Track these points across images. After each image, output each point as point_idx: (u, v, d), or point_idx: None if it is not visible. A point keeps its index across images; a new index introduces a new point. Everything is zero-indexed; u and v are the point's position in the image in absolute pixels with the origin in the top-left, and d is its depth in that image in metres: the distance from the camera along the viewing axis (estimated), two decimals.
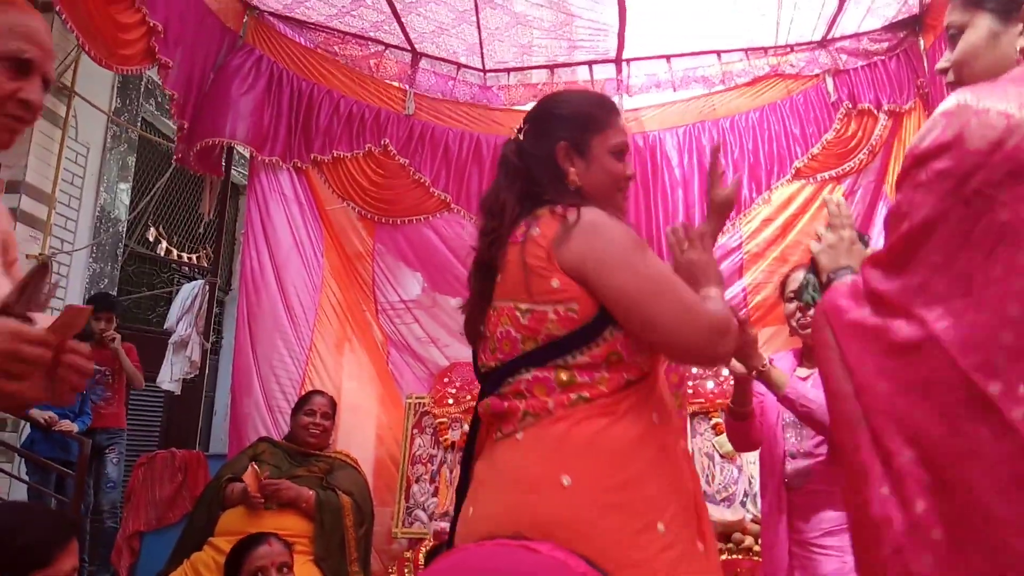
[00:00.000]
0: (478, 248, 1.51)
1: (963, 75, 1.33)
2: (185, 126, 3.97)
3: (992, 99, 1.14)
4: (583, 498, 1.24)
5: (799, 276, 2.34)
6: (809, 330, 2.28)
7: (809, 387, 2.18)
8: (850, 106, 4.17)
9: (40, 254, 4.85)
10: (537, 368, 1.35)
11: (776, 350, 2.89)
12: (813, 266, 1.53)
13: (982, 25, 1.31)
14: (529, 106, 4.66)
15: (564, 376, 1.32)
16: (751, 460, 3.54)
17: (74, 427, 4.21)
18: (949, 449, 1.08)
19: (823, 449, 2.22)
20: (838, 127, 4.20)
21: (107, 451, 4.47)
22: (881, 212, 4.16)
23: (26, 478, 4.30)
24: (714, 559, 1.34)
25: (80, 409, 4.45)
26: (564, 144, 1.48)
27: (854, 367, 1.20)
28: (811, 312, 2.24)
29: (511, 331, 1.39)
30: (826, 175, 4.23)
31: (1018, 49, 1.28)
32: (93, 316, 4.62)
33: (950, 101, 1.19)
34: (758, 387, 2.26)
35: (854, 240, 1.48)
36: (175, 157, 4.27)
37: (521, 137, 1.55)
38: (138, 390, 4.98)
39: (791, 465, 2.28)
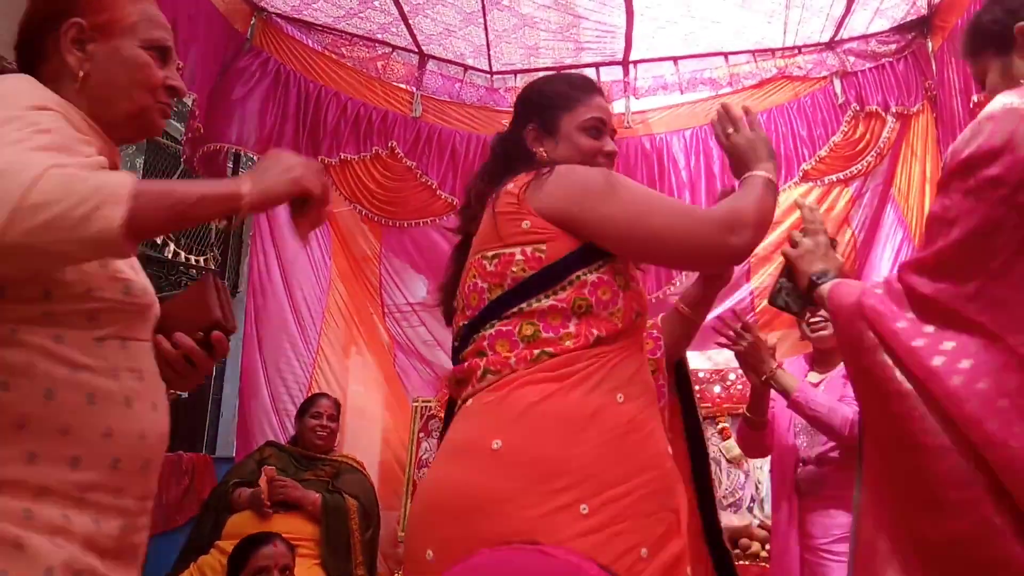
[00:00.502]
0: (458, 226, 1.54)
1: None
2: (201, 129, 3.95)
3: None
4: (508, 465, 1.17)
5: None
6: (823, 332, 2.27)
7: (820, 392, 2.17)
8: (857, 108, 4.15)
9: None
10: (501, 321, 1.30)
11: (784, 354, 2.87)
12: (787, 271, 1.54)
13: (994, 67, 1.34)
14: None
15: (528, 330, 1.27)
16: (758, 465, 3.52)
17: None
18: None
19: (835, 454, 2.21)
20: (845, 129, 4.17)
21: None
22: (889, 215, 4.15)
23: None
24: (670, 557, 1.20)
25: None
26: (533, 126, 1.49)
27: (919, 374, 1.13)
28: (820, 314, 2.24)
29: (478, 282, 1.35)
30: (834, 177, 4.21)
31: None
32: None
33: (996, 104, 1.17)
34: (772, 394, 2.25)
35: (828, 246, 1.50)
36: (183, 157, 4.25)
37: (507, 128, 1.58)
38: None
39: (803, 470, 2.27)
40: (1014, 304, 1.08)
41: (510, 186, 1.37)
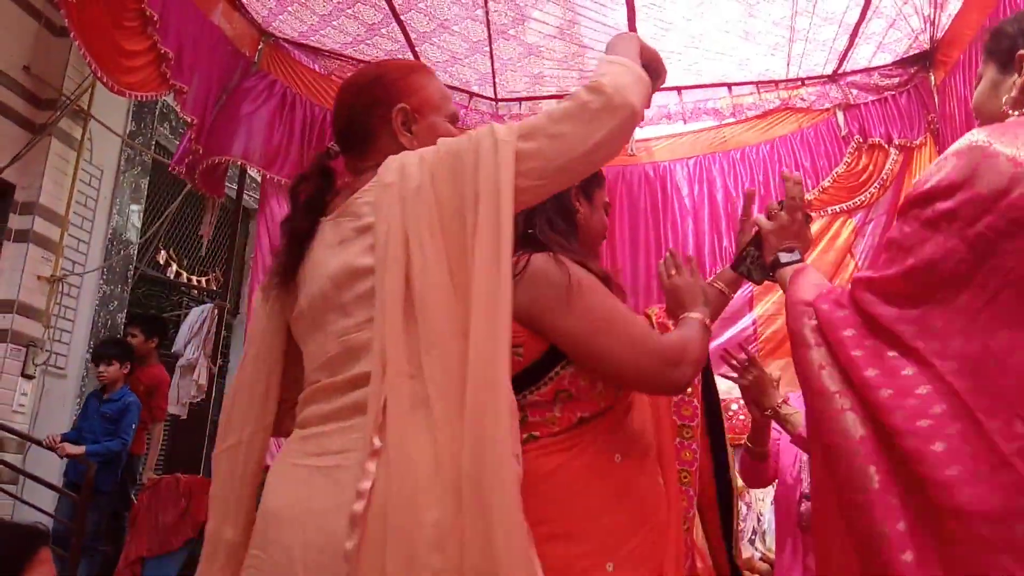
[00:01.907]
0: None
1: (980, 119, 1.37)
2: (200, 151, 4.00)
3: (1003, 143, 1.15)
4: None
5: None
6: None
7: None
8: (860, 140, 4.17)
9: (52, 275, 4.87)
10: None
11: (787, 383, 2.86)
12: (757, 241, 1.57)
13: (988, 75, 1.35)
14: None
15: (518, 415, 1.30)
16: (760, 497, 3.49)
17: (80, 450, 4.18)
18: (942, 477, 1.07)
19: None
20: (849, 160, 4.20)
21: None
22: None
23: (31, 501, 4.27)
24: None
25: (116, 431, 4.40)
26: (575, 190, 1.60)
27: (858, 381, 1.18)
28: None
29: None
30: (837, 208, 4.23)
31: (1004, 100, 1.29)
32: (129, 333, 4.63)
33: (963, 141, 1.20)
34: (776, 427, 2.23)
35: (804, 223, 1.52)
36: (172, 167, 4.25)
37: None
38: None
39: (806, 506, 2.25)
40: (946, 333, 1.12)
41: None
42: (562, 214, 1.49)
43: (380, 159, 1.22)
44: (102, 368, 4.40)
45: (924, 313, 1.15)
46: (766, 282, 1.65)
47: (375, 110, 1.29)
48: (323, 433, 1.14)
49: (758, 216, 1.56)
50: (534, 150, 1.12)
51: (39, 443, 4.28)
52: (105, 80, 3.42)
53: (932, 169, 1.21)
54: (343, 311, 1.18)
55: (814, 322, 1.27)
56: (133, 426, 4.39)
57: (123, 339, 4.85)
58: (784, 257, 1.46)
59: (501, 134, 1.13)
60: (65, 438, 4.28)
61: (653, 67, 1.35)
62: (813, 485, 1.34)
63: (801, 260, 1.46)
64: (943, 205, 1.15)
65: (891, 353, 1.16)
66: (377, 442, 1.02)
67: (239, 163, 4.31)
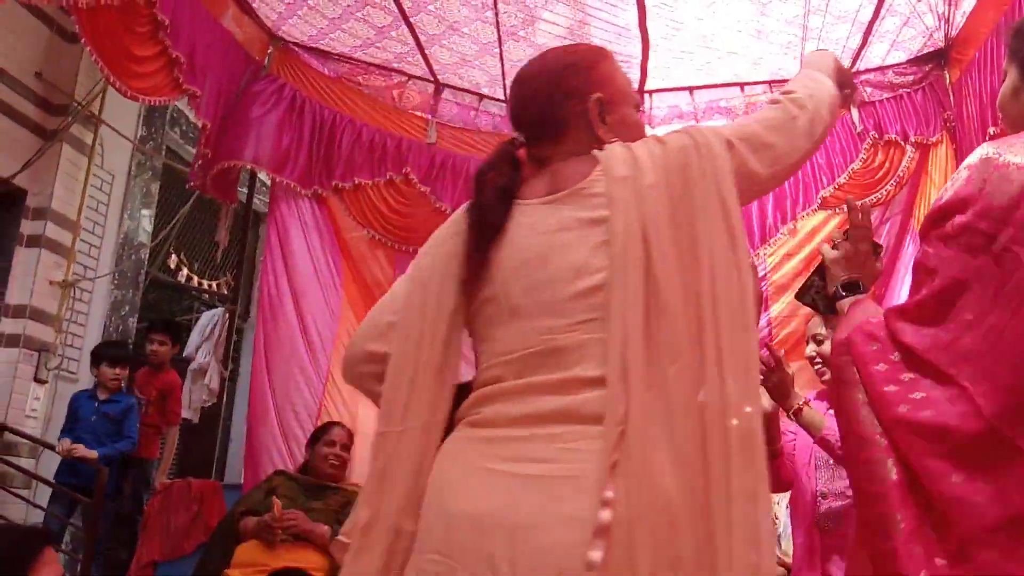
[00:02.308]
0: None
1: (1005, 120, 1.35)
2: (209, 155, 4.00)
3: (1013, 152, 1.14)
4: None
5: (818, 321, 2.30)
6: (826, 376, 2.24)
7: None
8: (876, 136, 4.13)
9: (64, 280, 4.89)
10: None
11: (802, 386, 2.83)
12: (821, 271, 1.52)
13: (1011, 76, 1.33)
14: None
15: None
16: (775, 500, 3.45)
17: (92, 453, 4.17)
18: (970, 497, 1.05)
19: None
20: (865, 157, 4.15)
21: (122, 481, 4.40)
22: (908, 246, 4.11)
23: (43, 505, 4.28)
24: None
25: (119, 433, 4.39)
26: None
27: (883, 418, 1.15)
28: (822, 344, 2.21)
29: None
30: None
31: None
32: (147, 338, 4.62)
33: (974, 154, 1.19)
34: (790, 425, 2.20)
35: (869, 254, 1.46)
36: (189, 184, 4.27)
37: None
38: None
39: (824, 506, 2.22)
40: (978, 356, 1.08)
41: None
42: None
43: (573, 149, 1.21)
44: (118, 371, 4.36)
45: (956, 339, 1.11)
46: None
47: (570, 100, 1.23)
48: (518, 438, 1.06)
49: (823, 245, 1.52)
50: (748, 159, 1.13)
51: (51, 448, 4.28)
52: (117, 86, 3.42)
53: (947, 185, 1.20)
54: (553, 308, 1.09)
55: (847, 358, 1.24)
56: (136, 426, 4.41)
57: (124, 341, 4.85)
58: (844, 289, 1.41)
59: (722, 140, 1.13)
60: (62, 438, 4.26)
61: (845, 83, 1.37)
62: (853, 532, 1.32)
63: (862, 292, 1.40)
64: (960, 219, 1.14)
65: (926, 383, 1.12)
66: (614, 455, 0.97)
67: (249, 167, 4.31)
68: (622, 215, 1.07)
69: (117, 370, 4.33)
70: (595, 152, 1.18)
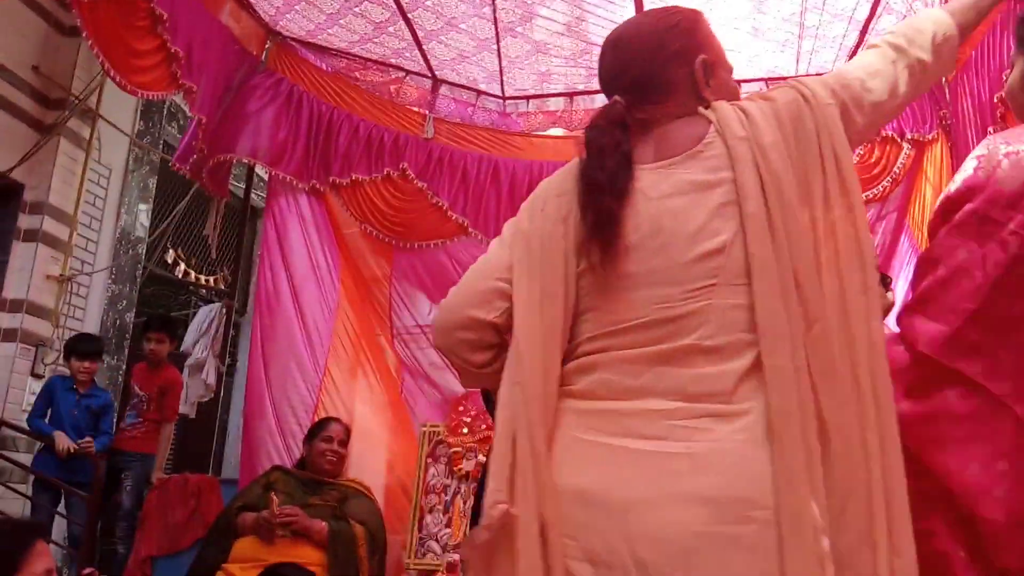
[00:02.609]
0: None
1: (1014, 109, 1.35)
2: (205, 150, 4.00)
3: (1021, 141, 1.15)
4: None
5: None
6: None
7: None
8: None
9: (61, 275, 4.89)
10: None
11: None
12: None
13: (1019, 67, 1.33)
14: (548, 132, 4.70)
15: None
16: None
17: (91, 446, 4.22)
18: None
19: None
20: (861, 152, 4.16)
21: (123, 476, 4.41)
22: (903, 244, 4.12)
23: (40, 500, 4.29)
24: None
25: (96, 428, 4.42)
26: None
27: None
28: None
29: None
30: None
31: None
32: (144, 336, 4.62)
33: (983, 144, 1.20)
34: None
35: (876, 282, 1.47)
36: (174, 164, 4.21)
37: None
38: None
39: None
40: (989, 349, 1.07)
41: None
42: None
43: (677, 111, 1.18)
44: (87, 365, 4.37)
45: (960, 328, 1.10)
46: None
47: (676, 61, 1.20)
48: (627, 412, 1.03)
49: None
50: (850, 107, 1.13)
51: (51, 444, 4.28)
52: (117, 80, 3.42)
53: (955, 177, 1.21)
54: (669, 275, 1.05)
55: None
56: (113, 422, 4.46)
57: (95, 336, 4.82)
58: None
59: (828, 89, 1.12)
60: (32, 425, 4.27)
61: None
62: None
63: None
64: (969, 206, 1.14)
65: (941, 389, 1.11)
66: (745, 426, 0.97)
67: (246, 162, 4.31)
68: (749, 174, 1.05)
69: (86, 364, 4.33)
70: (704, 112, 1.16)
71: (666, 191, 1.10)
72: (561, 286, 1.12)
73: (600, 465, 1.01)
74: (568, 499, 1.01)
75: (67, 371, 4.43)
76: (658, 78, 1.21)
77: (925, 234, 3.94)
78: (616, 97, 1.22)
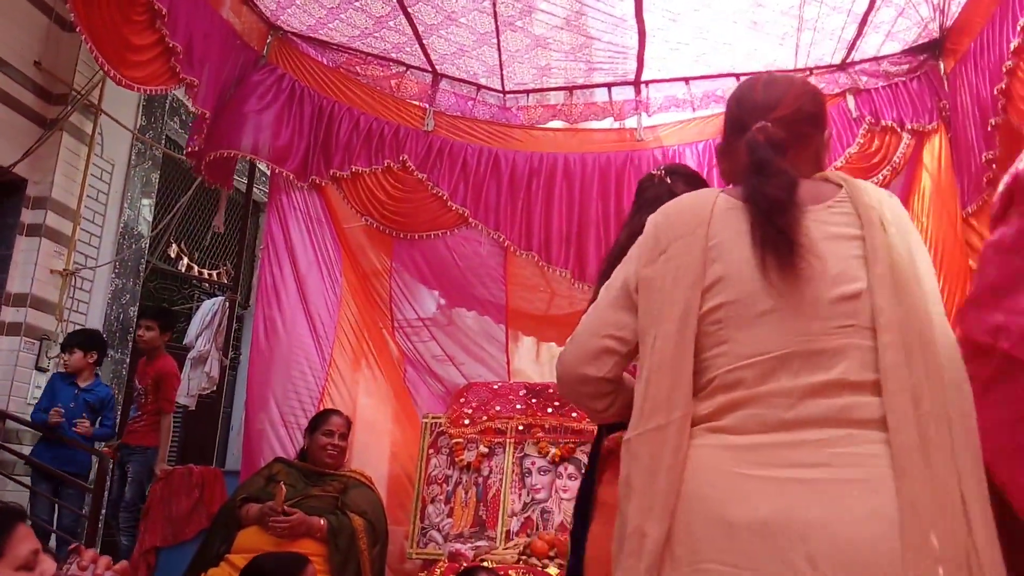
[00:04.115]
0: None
1: None
2: (202, 146, 4.00)
3: None
4: None
5: None
6: None
7: None
8: (872, 122, 4.14)
9: (64, 269, 4.92)
10: None
11: None
12: None
13: None
14: (549, 125, 4.71)
15: None
16: None
17: (88, 427, 4.33)
18: None
19: None
20: (861, 141, 4.15)
21: (126, 469, 4.45)
22: None
23: (44, 492, 4.33)
24: None
25: (100, 422, 4.49)
26: None
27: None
28: None
29: None
30: None
31: None
32: (136, 325, 4.69)
33: None
34: None
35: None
36: (188, 154, 4.23)
37: (666, 179, 1.86)
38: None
39: None
40: None
41: None
42: None
43: (801, 168, 1.27)
44: (65, 356, 4.49)
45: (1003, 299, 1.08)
46: None
47: (820, 124, 1.34)
48: (784, 444, 1.07)
49: None
50: None
51: (56, 433, 4.32)
52: (112, 74, 3.42)
53: (1012, 169, 1.18)
54: (815, 311, 1.11)
55: None
56: (114, 415, 4.61)
57: (90, 329, 4.89)
58: None
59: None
60: (38, 413, 4.36)
61: None
62: None
63: None
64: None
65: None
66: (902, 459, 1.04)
67: (248, 157, 4.33)
68: (879, 238, 1.15)
69: (65, 355, 4.49)
70: (831, 177, 1.27)
71: (811, 232, 1.16)
72: (690, 312, 1.17)
73: (774, 498, 1.04)
74: (743, 533, 1.04)
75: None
76: (809, 130, 1.32)
77: (924, 224, 3.98)
78: (765, 123, 1.28)
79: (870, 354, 1.09)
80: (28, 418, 4.48)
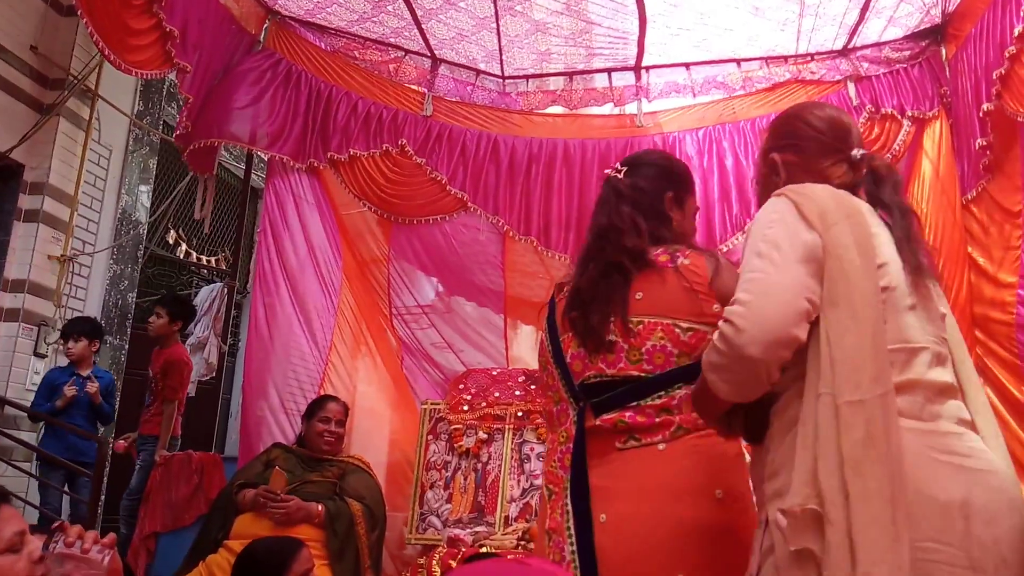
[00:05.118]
0: (600, 253, 1.69)
1: None
2: (190, 127, 3.96)
3: None
4: (728, 509, 1.49)
5: None
6: None
7: None
8: (873, 110, 4.13)
9: (62, 255, 4.91)
10: (689, 385, 1.52)
11: None
12: None
13: None
14: (548, 111, 4.69)
15: None
16: None
17: (97, 387, 4.37)
18: None
19: None
20: (861, 129, 4.14)
21: (138, 458, 4.46)
22: None
23: (44, 478, 4.33)
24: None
25: (102, 408, 4.50)
26: (671, 194, 1.76)
27: None
28: None
29: (668, 345, 1.57)
30: None
31: None
32: (155, 312, 4.66)
33: None
34: None
35: None
36: (176, 137, 4.18)
37: (621, 175, 1.79)
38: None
39: None
40: None
41: (688, 262, 1.62)
42: (659, 220, 1.72)
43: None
44: (70, 344, 4.45)
45: None
46: None
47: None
48: (947, 433, 1.22)
49: None
50: None
51: (52, 421, 4.33)
52: (112, 58, 3.40)
53: None
54: (932, 315, 1.31)
55: None
56: (115, 403, 4.63)
57: (91, 318, 4.88)
58: None
59: None
60: (39, 409, 4.36)
61: None
62: None
63: None
64: None
65: None
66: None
67: (240, 147, 4.29)
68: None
69: (70, 343, 4.51)
70: None
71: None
72: (881, 302, 1.26)
73: (960, 483, 1.17)
74: (949, 512, 1.15)
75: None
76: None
77: (924, 211, 3.97)
78: (862, 151, 1.46)
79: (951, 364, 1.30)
80: (27, 404, 4.48)
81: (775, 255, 1.26)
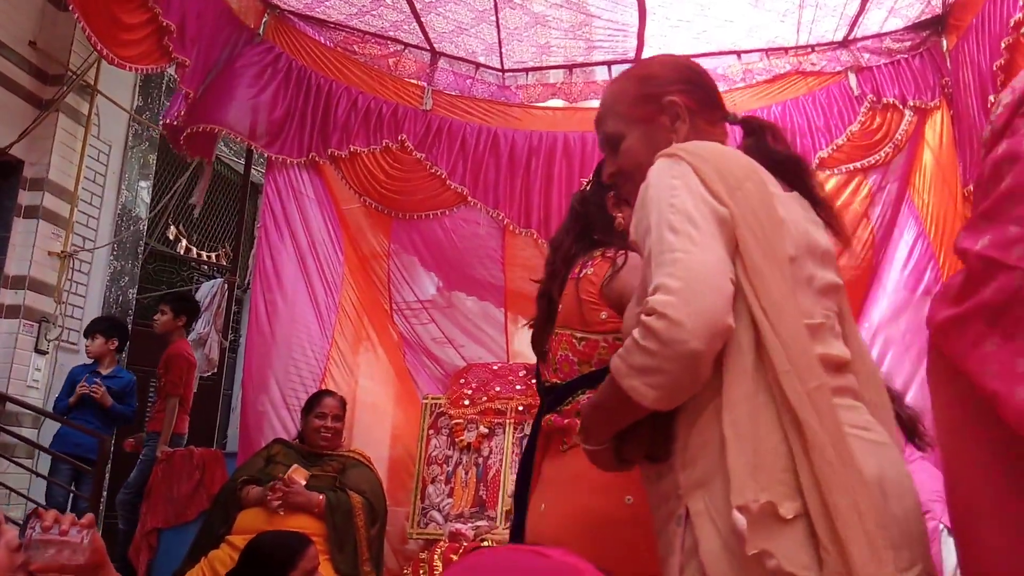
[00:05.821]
0: (543, 278, 1.81)
1: None
2: (181, 115, 3.92)
3: None
4: (637, 517, 1.46)
5: None
6: None
7: None
8: (874, 99, 4.11)
9: (62, 251, 4.90)
10: (591, 390, 1.51)
11: None
12: None
13: None
14: (548, 104, 4.68)
15: None
16: None
17: (102, 387, 4.36)
18: None
19: None
20: (863, 119, 4.13)
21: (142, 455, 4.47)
22: (905, 213, 4.12)
23: (44, 474, 4.34)
24: None
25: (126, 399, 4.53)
26: (612, 194, 1.77)
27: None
28: None
29: (569, 355, 1.69)
30: (852, 166, 4.17)
31: None
32: (160, 310, 4.66)
33: None
34: None
35: None
36: (163, 127, 4.14)
37: (588, 188, 1.86)
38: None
39: None
40: None
41: (590, 272, 1.69)
42: (604, 221, 1.77)
43: None
44: (87, 343, 4.50)
45: None
46: None
47: None
48: (849, 407, 1.11)
49: None
50: None
51: (54, 417, 4.33)
52: (104, 53, 3.36)
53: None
54: (826, 289, 1.21)
55: None
56: (134, 400, 4.61)
57: (111, 316, 4.89)
58: None
59: None
60: (58, 409, 4.37)
61: None
62: None
63: None
64: None
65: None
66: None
67: (238, 139, 4.27)
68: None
69: (87, 341, 4.53)
70: None
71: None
72: (789, 267, 1.11)
73: (870, 458, 1.06)
74: (875, 491, 1.03)
75: (85, 356, 4.59)
76: None
77: (926, 200, 3.96)
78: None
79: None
80: (28, 400, 4.49)
81: (692, 231, 1.06)
